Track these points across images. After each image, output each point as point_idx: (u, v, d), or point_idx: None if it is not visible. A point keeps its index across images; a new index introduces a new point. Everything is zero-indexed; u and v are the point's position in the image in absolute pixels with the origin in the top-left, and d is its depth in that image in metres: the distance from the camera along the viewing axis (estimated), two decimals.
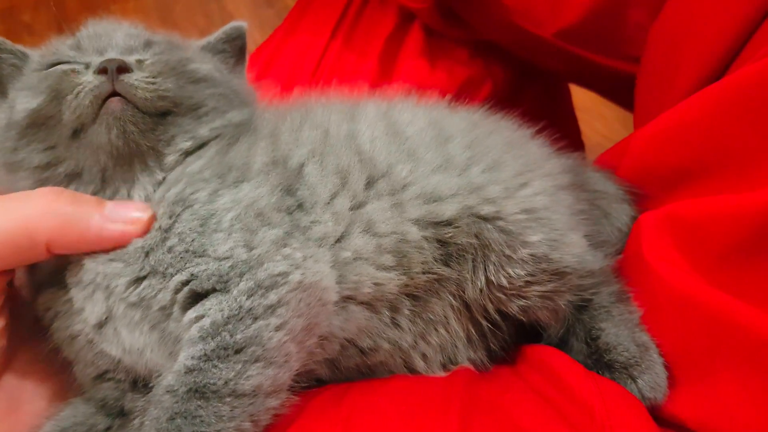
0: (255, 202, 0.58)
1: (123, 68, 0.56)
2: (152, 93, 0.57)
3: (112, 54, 0.60)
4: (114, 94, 0.56)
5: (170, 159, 0.60)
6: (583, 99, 1.36)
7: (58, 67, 0.59)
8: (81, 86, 0.56)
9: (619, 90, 1.04)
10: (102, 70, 0.56)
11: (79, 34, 0.64)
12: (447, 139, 0.66)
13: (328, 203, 0.60)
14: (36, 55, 0.64)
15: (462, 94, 0.93)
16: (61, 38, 0.65)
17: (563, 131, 0.79)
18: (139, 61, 0.60)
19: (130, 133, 0.56)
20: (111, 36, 0.63)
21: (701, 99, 0.65)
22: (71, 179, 0.59)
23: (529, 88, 1.17)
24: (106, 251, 0.56)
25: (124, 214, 0.56)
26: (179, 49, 0.65)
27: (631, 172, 0.76)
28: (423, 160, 0.64)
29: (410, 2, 1.02)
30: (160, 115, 0.59)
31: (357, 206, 0.61)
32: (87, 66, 0.59)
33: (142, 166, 0.59)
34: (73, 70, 0.58)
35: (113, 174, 0.59)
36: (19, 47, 0.64)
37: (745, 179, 0.59)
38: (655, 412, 0.57)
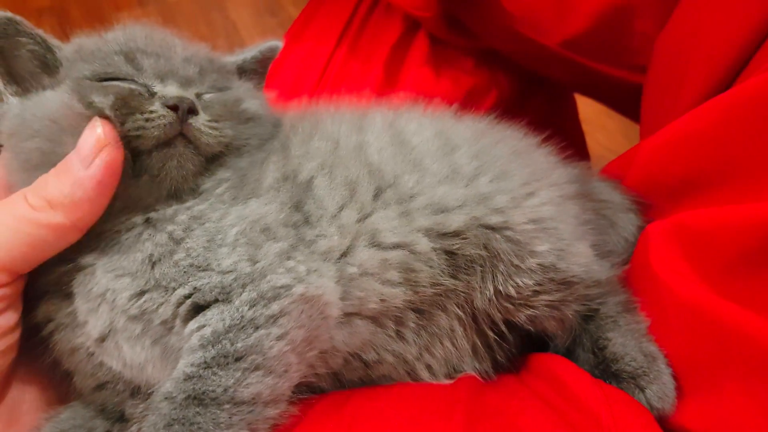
0: (262, 217, 0.58)
1: (192, 110, 0.56)
2: (214, 139, 0.58)
3: (173, 85, 0.59)
4: (179, 133, 0.56)
5: (206, 186, 0.59)
6: (586, 111, 1.36)
7: (118, 83, 0.57)
8: (153, 114, 0.55)
9: (624, 100, 1.04)
10: (173, 107, 0.55)
11: (130, 41, 0.61)
12: (453, 148, 0.66)
13: (335, 216, 0.60)
14: (69, 52, 0.60)
15: (467, 103, 0.93)
16: (103, 37, 0.62)
17: (568, 140, 0.78)
18: (198, 95, 0.60)
19: (187, 171, 0.57)
20: (170, 59, 0.61)
21: (708, 109, 0.65)
22: None
23: (534, 97, 1.17)
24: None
25: (90, 144, 0.53)
26: (227, 78, 0.65)
27: (638, 182, 0.76)
28: (429, 171, 0.63)
29: (416, 11, 1.02)
30: (212, 157, 0.59)
31: (364, 217, 0.60)
32: (149, 91, 0.57)
33: (179, 199, 0.58)
34: (139, 92, 0.56)
35: (146, 200, 0.57)
36: (41, 33, 0.59)
37: (753, 189, 0.59)
38: (662, 422, 0.56)
